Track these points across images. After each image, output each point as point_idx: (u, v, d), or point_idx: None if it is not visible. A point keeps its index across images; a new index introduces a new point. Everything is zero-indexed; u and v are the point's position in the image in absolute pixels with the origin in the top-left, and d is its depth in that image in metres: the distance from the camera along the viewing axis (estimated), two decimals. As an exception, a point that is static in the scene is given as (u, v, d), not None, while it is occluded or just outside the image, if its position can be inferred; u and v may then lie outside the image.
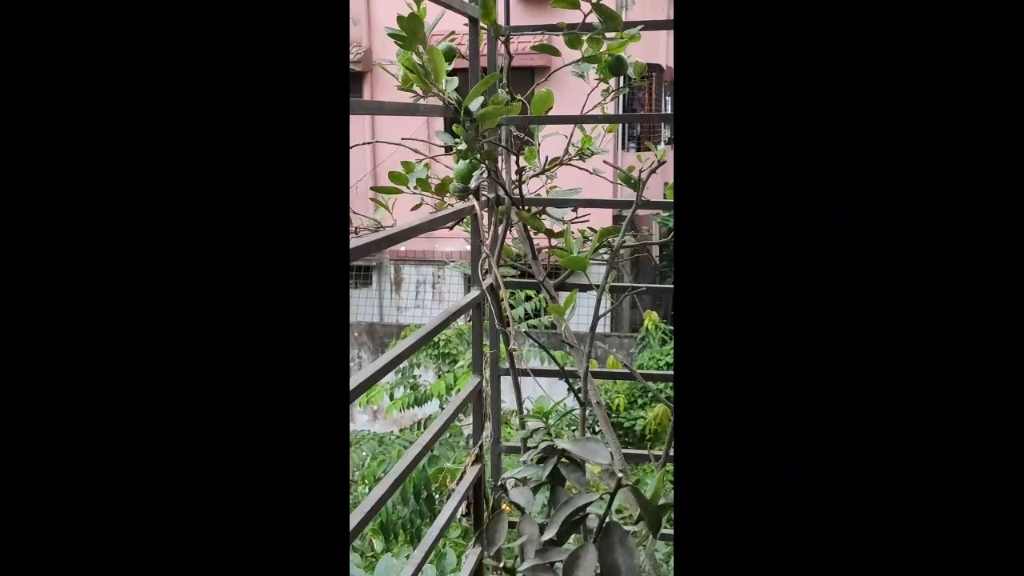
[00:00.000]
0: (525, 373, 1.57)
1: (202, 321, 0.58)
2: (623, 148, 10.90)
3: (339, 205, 0.60)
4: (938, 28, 0.54)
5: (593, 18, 1.53)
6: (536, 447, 1.34)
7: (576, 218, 1.62)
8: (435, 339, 5.94)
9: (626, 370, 1.56)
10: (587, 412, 1.51)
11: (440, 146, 1.75)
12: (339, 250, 0.61)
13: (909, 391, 0.55)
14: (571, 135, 1.70)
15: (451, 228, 1.61)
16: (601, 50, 1.62)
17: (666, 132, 14.34)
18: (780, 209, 0.56)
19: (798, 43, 0.55)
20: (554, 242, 1.63)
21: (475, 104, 1.48)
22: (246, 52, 0.58)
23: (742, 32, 0.55)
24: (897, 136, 0.55)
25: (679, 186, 0.58)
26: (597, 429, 1.55)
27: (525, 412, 1.52)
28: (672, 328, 8.14)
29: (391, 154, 1.63)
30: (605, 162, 1.66)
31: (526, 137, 1.67)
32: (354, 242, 1.03)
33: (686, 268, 0.58)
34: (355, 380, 0.99)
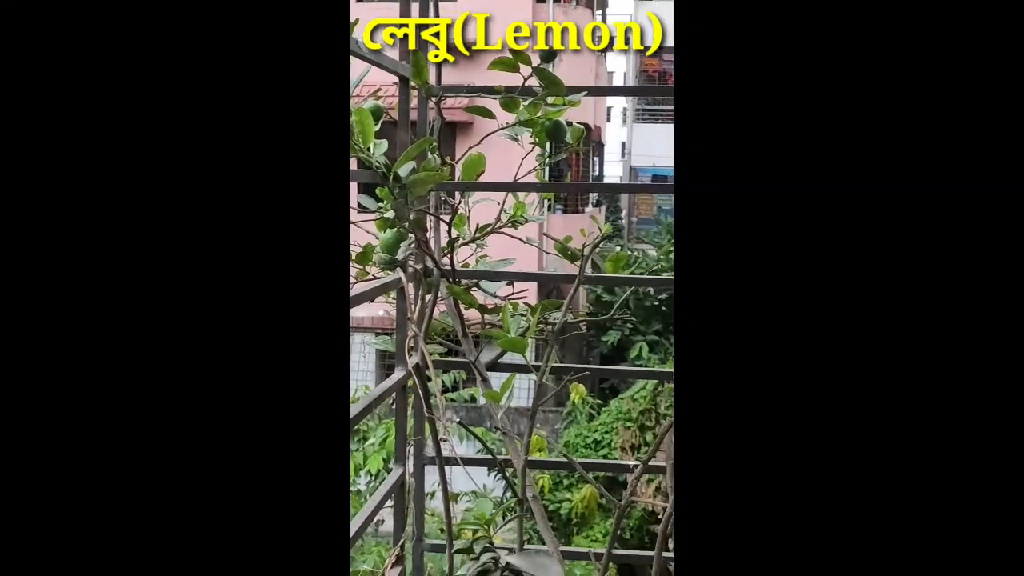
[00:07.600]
0: (454, 462, 1.43)
1: (199, 328, 0.59)
2: (550, 211, 9.72)
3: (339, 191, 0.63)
4: None
5: (533, 81, 1.43)
6: (476, 556, 1.20)
7: (513, 293, 1.50)
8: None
9: (563, 459, 1.44)
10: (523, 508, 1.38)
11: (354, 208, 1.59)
12: (339, 244, 0.63)
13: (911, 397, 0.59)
14: (503, 201, 1.59)
15: (372, 301, 1.46)
16: (538, 114, 1.52)
17: (594, 194, 13.75)
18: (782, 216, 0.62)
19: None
20: (487, 317, 1.50)
21: (405, 170, 1.34)
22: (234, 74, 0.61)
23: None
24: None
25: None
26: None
27: (455, 515, 1.37)
28: (599, 403, 7.69)
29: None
30: (545, 235, 1.55)
31: (456, 203, 1.54)
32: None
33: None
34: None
